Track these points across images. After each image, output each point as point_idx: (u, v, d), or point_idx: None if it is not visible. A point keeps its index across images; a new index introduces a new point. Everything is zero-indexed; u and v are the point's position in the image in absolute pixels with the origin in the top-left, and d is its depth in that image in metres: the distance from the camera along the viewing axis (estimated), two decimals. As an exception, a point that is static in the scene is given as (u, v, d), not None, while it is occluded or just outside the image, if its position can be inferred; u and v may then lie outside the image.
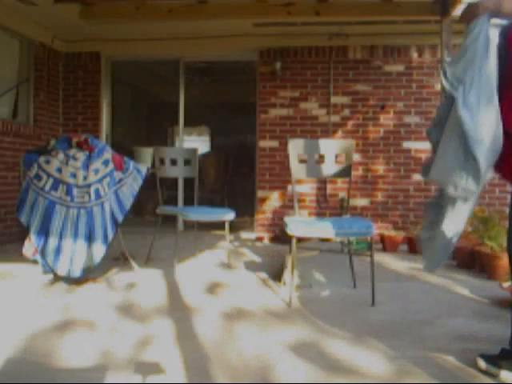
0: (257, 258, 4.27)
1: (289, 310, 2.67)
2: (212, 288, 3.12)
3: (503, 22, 1.82)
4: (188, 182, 5.54)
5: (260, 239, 5.48)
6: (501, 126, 1.76)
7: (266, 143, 5.65)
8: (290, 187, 5.56)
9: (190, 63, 6.28)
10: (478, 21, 1.81)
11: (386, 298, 2.90)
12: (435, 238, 1.95)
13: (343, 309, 2.71)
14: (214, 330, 2.30)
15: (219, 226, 4.41)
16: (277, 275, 3.40)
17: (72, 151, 3.22)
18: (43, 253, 3.05)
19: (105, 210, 3.23)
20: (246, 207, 6.07)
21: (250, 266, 3.86)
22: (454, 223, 1.88)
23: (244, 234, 5.70)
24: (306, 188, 5.57)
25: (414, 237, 4.69)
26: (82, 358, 1.93)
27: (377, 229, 5.12)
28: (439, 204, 1.95)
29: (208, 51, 5.79)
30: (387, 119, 5.51)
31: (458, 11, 4.31)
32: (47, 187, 3.09)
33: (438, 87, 5.19)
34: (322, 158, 3.34)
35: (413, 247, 4.69)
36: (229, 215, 3.74)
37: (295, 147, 3.21)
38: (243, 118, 7.77)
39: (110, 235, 3.25)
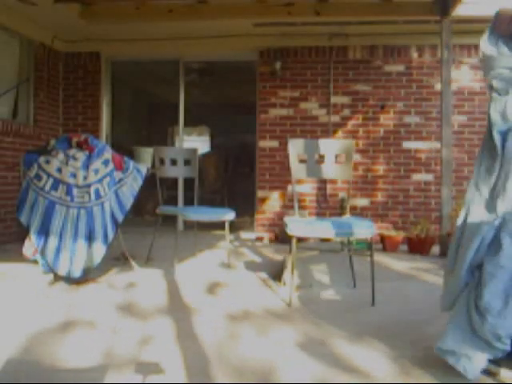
0: (257, 258, 4.27)
1: (289, 309, 2.67)
2: (212, 288, 3.12)
3: None
4: (188, 182, 5.54)
5: (260, 239, 5.48)
6: None
7: (265, 143, 5.65)
8: (290, 187, 5.56)
9: (189, 63, 6.28)
10: None
11: (386, 298, 2.90)
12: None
13: (343, 309, 2.71)
14: (214, 329, 2.30)
15: (219, 225, 4.41)
16: (277, 275, 3.40)
17: (72, 151, 3.22)
18: (43, 253, 3.06)
19: (105, 210, 3.23)
20: (246, 207, 6.07)
21: (250, 266, 3.86)
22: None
23: (244, 234, 5.70)
24: (306, 188, 5.56)
25: (413, 237, 4.69)
26: (82, 358, 1.93)
27: (377, 229, 5.11)
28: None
29: (208, 51, 5.79)
30: (387, 119, 5.51)
31: (458, 11, 4.32)
32: (47, 187, 3.09)
33: (437, 87, 5.19)
34: (322, 158, 3.34)
35: (413, 247, 4.69)
36: (229, 215, 3.74)
37: (295, 147, 3.21)
38: (243, 117, 7.76)
39: (110, 235, 3.25)
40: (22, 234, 3.27)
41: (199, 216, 3.81)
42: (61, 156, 3.17)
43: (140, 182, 3.52)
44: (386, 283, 3.29)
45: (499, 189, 1.81)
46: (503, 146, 1.83)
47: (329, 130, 5.56)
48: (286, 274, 3.14)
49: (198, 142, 10.33)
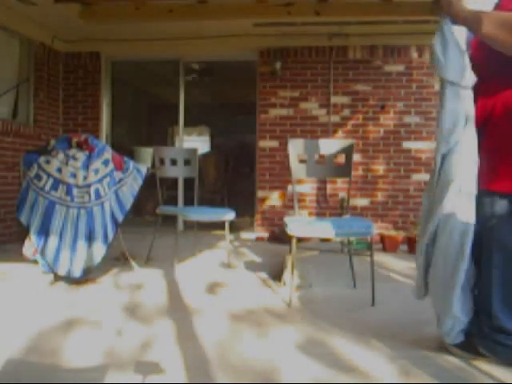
0: (257, 258, 4.27)
1: (289, 309, 2.67)
2: (212, 288, 3.12)
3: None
4: (188, 182, 5.55)
5: (260, 239, 5.48)
6: None
7: (265, 143, 5.65)
8: (290, 187, 5.56)
9: (190, 63, 6.28)
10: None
11: (386, 298, 2.90)
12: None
13: (343, 309, 2.71)
14: (214, 329, 2.30)
15: (219, 225, 4.41)
16: (277, 275, 3.40)
17: (72, 151, 3.22)
18: (43, 253, 3.06)
19: (105, 209, 3.23)
20: (246, 207, 6.07)
21: (250, 266, 3.86)
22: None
23: (244, 234, 5.70)
24: (306, 188, 5.57)
25: (413, 237, 4.69)
26: (82, 358, 1.93)
27: (377, 229, 5.12)
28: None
29: (208, 51, 5.79)
30: (387, 119, 5.51)
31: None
32: (47, 187, 3.09)
33: (437, 87, 5.19)
34: (322, 158, 3.34)
35: (413, 247, 4.69)
36: (229, 215, 3.74)
37: (295, 147, 3.21)
38: (243, 117, 7.78)
39: (110, 235, 3.26)
40: (22, 234, 3.27)
41: (199, 216, 3.81)
42: (61, 156, 3.17)
43: (140, 181, 3.52)
44: (386, 283, 3.29)
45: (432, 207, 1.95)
46: (440, 168, 1.93)
47: (329, 130, 5.56)
48: (286, 274, 3.14)
49: (197, 142, 10.33)
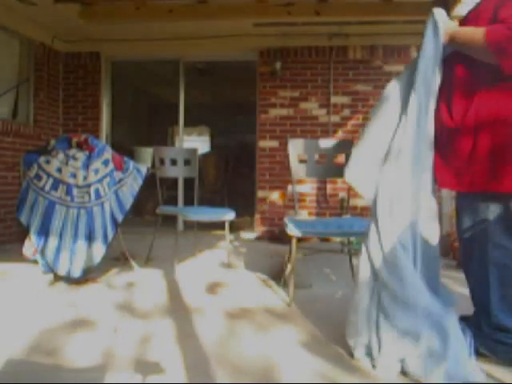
0: (257, 258, 4.27)
1: (289, 309, 2.67)
2: (212, 288, 3.12)
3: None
4: (188, 182, 5.55)
5: (260, 239, 5.48)
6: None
7: (265, 143, 5.65)
8: (290, 187, 5.56)
9: (189, 63, 6.28)
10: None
11: (386, 297, 2.89)
12: None
13: (343, 309, 2.70)
14: (215, 329, 2.30)
15: (219, 225, 4.41)
16: (277, 275, 3.40)
17: (72, 151, 3.22)
18: (43, 253, 3.06)
19: (105, 210, 3.23)
20: (246, 207, 6.07)
21: (250, 266, 3.86)
22: None
23: (244, 234, 5.70)
24: (306, 188, 5.57)
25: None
26: (82, 358, 1.93)
27: (377, 229, 5.11)
28: None
29: (208, 51, 5.79)
30: (387, 119, 5.50)
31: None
32: (47, 187, 3.09)
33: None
34: (322, 158, 3.34)
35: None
36: (229, 215, 3.74)
37: (295, 147, 3.21)
38: (243, 117, 7.78)
39: (110, 235, 3.26)
40: (22, 234, 3.27)
41: (199, 216, 3.81)
42: (61, 156, 3.17)
43: (140, 182, 3.52)
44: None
45: None
46: None
47: (329, 130, 5.56)
48: (286, 274, 3.14)
49: (197, 142, 10.34)
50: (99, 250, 3.17)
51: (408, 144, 1.92)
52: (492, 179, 1.82)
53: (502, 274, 1.85)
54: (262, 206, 5.65)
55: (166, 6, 4.69)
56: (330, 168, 3.30)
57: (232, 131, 9.53)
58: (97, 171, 3.22)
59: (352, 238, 4.33)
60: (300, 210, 5.46)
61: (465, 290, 3.10)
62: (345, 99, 5.56)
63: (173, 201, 5.77)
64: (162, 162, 4.09)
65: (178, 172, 4.36)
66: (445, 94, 1.93)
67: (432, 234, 1.97)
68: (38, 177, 3.11)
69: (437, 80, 1.92)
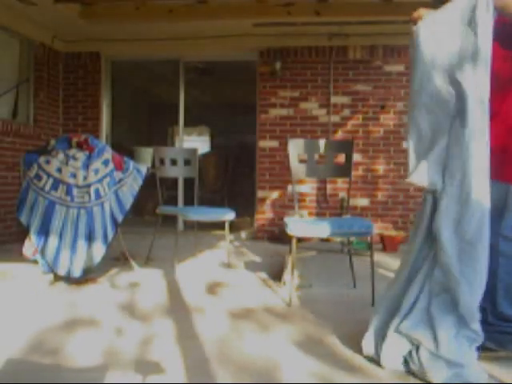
0: (257, 258, 4.27)
1: (289, 309, 2.67)
2: (212, 288, 3.12)
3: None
4: (188, 182, 5.54)
5: (260, 239, 5.48)
6: None
7: (265, 143, 5.65)
8: (289, 187, 5.56)
9: (189, 63, 6.28)
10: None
11: (386, 297, 2.90)
12: None
13: (343, 309, 2.71)
14: (215, 329, 2.31)
15: (219, 225, 4.41)
16: (277, 275, 3.40)
17: (72, 151, 3.21)
18: (43, 253, 3.06)
19: (105, 209, 3.23)
20: (246, 207, 6.07)
21: (250, 266, 3.86)
22: None
23: (244, 234, 5.70)
24: (306, 188, 5.57)
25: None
26: (82, 358, 1.93)
27: (377, 229, 5.13)
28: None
29: (208, 51, 5.79)
30: (387, 119, 5.51)
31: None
32: (47, 187, 3.09)
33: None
34: (322, 158, 3.34)
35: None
36: (229, 215, 3.74)
37: (295, 147, 3.21)
38: (243, 117, 7.77)
39: (110, 235, 3.26)
40: (22, 234, 3.27)
41: (199, 216, 3.81)
42: (61, 156, 3.17)
43: (140, 182, 3.52)
44: (385, 283, 3.28)
45: None
46: None
47: (329, 130, 5.56)
48: (286, 274, 3.14)
49: (197, 142, 10.34)
50: (99, 250, 3.18)
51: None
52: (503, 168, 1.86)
53: (509, 264, 1.89)
54: (262, 205, 5.65)
55: (166, 6, 4.69)
56: (330, 168, 3.30)
57: (232, 131, 9.52)
58: (97, 171, 3.22)
59: (352, 238, 4.34)
60: (300, 210, 5.46)
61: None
62: (345, 99, 5.56)
63: (173, 201, 5.77)
64: (162, 162, 4.09)
65: (178, 172, 4.36)
66: None
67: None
68: (37, 177, 3.11)
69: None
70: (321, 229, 2.83)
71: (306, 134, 5.54)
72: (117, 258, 3.75)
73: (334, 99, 5.55)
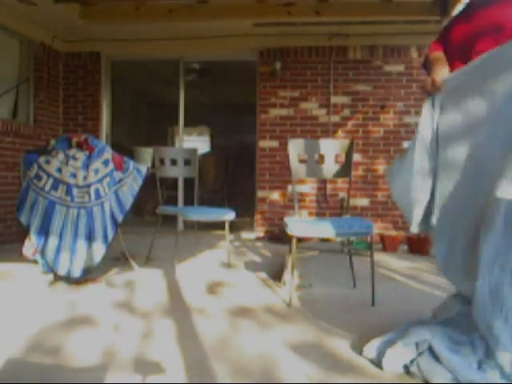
0: (257, 258, 4.27)
1: (289, 309, 2.67)
2: (212, 288, 3.12)
3: None
4: (188, 182, 5.54)
5: (260, 239, 5.48)
6: None
7: (265, 143, 5.65)
8: (290, 187, 5.56)
9: (189, 63, 6.29)
10: None
11: (386, 298, 2.90)
12: None
13: (343, 309, 2.71)
14: (215, 329, 2.31)
15: (219, 225, 4.41)
16: (277, 275, 3.40)
17: (72, 151, 3.22)
18: (43, 253, 3.06)
19: (105, 209, 3.23)
20: (246, 207, 6.07)
21: (250, 266, 3.86)
22: None
23: (244, 234, 5.70)
24: (306, 188, 5.57)
25: (413, 237, 4.69)
26: (82, 358, 1.93)
27: (377, 229, 5.13)
28: None
29: (208, 51, 5.79)
30: (387, 119, 5.51)
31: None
32: (47, 187, 3.09)
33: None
34: (322, 157, 3.34)
35: (413, 247, 4.69)
36: (229, 215, 3.74)
37: (295, 147, 3.21)
38: (243, 117, 7.77)
39: (110, 235, 3.26)
40: (22, 234, 3.27)
41: (199, 216, 3.81)
42: (61, 156, 3.17)
43: (140, 182, 3.52)
44: (386, 283, 3.29)
45: None
46: None
47: (329, 130, 5.56)
48: (286, 274, 3.14)
49: (197, 142, 10.34)
50: (99, 250, 3.18)
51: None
52: None
53: None
54: (262, 205, 5.65)
55: (166, 6, 4.69)
56: (330, 168, 3.30)
57: (232, 131, 9.52)
58: (97, 171, 3.22)
59: (352, 238, 4.34)
60: (300, 210, 5.46)
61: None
62: (345, 99, 5.56)
63: (173, 201, 5.77)
64: (162, 162, 4.09)
65: (178, 172, 4.36)
66: None
67: None
68: (37, 177, 3.11)
69: None
70: (321, 229, 2.83)
71: (306, 134, 5.54)
72: (117, 258, 3.75)
73: (333, 99, 5.55)
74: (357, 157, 5.43)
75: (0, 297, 2.85)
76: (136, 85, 8.82)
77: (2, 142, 4.78)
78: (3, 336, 2.18)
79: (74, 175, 3.14)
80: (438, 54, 2.26)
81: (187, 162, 4.24)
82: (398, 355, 1.83)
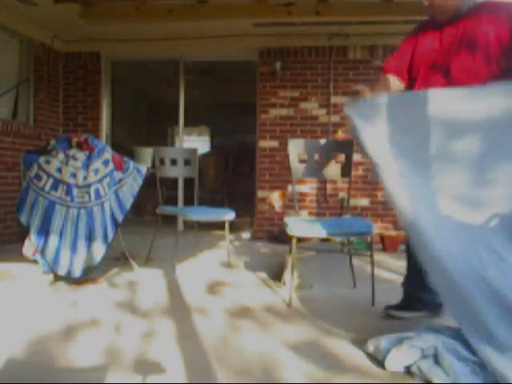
0: (257, 258, 4.27)
1: (289, 309, 2.67)
2: (212, 288, 3.12)
3: None
4: (188, 182, 5.54)
5: (260, 239, 5.48)
6: None
7: (265, 143, 5.65)
8: (290, 187, 5.56)
9: (189, 63, 6.28)
10: None
11: (386, 297, 2.90)
12: None
13: (343, 309, 2.71)
14: (215, 329, 2.31)
15: (219, 225, 4.41)
16: (277, 275, 3.40)
17: (72, 151, 3.22)
18: (43, 253, 3.06)
19: (105, 209, 3.23)
20: (246, 207, 6.07)
21: (250, 266, 3.86)
22: None
23: (244, 234, 5.70)
24: (306, 188, 5.56)
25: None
26: (82, 358, 1.93)
27: (377, 229, 5.12)
28: None
29: (208, 51, 5.79)
30: (387, 119, 5.50)
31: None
32: (47, 187, 3.09)
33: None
34: (322, 157, 3.34)
35: (413, 247, 4.68)
36: (229, 215, 3.74)
37: (295, 147, 3.21)
38: (243, 118, 7.77)
39: (110, 235, 3.26)
40: (22, 234, 3.27)
41: (199, 216, 3.81)
42: (61, 156, 3.17)
43: (140, 182, 3.52)
44: (386, 283, 3.29)
45: None
46: None
47: (329, 130, 5.56)
48: (286, 274, 3.14)
49: (197, 142, 10.34)
50: (99, 250, 3.18)
51: None
52: None
53: None
54: (262, 206, 5.65)
55: (166, 6, 4.69)
56: (330, 168, 3.30)
57: (232, 131, 9.52)
58: (97, 171, 3.22)
59: (352, 238, 4.34)
60: (300, 210, 5.46)
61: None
62: (345, 99, 5.55)
63: (173, 201, 5.77)
64: (162, 162, 4.09)
65: (178, 172, 4.36)
66: None
67: None
68: (38, 177, 3.11)
69: None
70: (321, 229, 2.83)
71: (306, 134, 5.53)
72: (117, 258, 3.75)
73: (333, 99, 5.55)
74: (357, 157, 5.42)
75: (0, 297, 2.85)
76: (136, 85, 8.82)
77: (2, 142, 4.78)
78: (3, 336, 2.18)
79: (74, 175, 3.14)
80: (386, 80, 2.59)
81: (187, 162, 4.23)
82: (402, 356, 1.83)
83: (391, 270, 3.86)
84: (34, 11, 4.83)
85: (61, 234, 3.08)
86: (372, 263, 2.77)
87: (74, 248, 3.08)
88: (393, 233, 5.04)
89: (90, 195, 3.16)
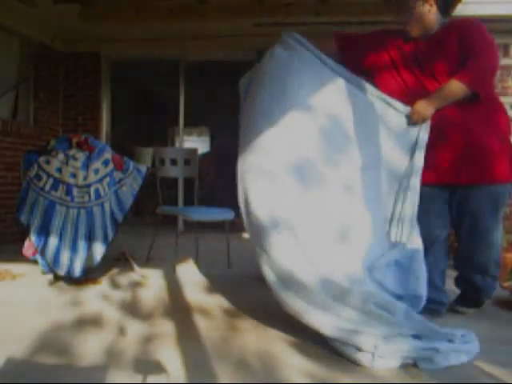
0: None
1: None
2: (212, 288, 3.12)
3: None
4: (188, 182, 5.54)
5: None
6: None
7: (266, 143, 5.63)
8: (290, 187, 5.55)
9: (190, 63, 6.28)
10: None
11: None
12: None
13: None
14: (215, 329, 2.31)
15: (219, 225, 4.41)
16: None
17: (72, 151, 3.22)
18: (43, 253, 3.06)
19: (105, 209, 3.23)
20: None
21: (250, 266, 3.85)
22: None
23: (244, 234, 5.70)
24: (306, 188, 5.55)
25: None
26: (82, 358, 1.93)
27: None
28: None
29: (208, 51, 5.79)
30: (387, 119, 5.50)
31: (458, 11, 4.32)
32: (47, 187, 3.10)
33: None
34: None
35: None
36: (229, 215, 3.74)
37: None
38: (243, 118, 7.75)
39: (110, 235, 3.26)
40: (22, 234, 3.27)
41: (199, 216, 3.81)
42: (61, 156, 3.17)
43: (140, 182, 3.52)
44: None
45: None
46: None
47: (329, 130, 5.54)
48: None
49: (197, 143, 10.33)
50: (99, 250, 3.18)
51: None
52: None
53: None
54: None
55: (166, 6, 4.68)
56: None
57: (232, 131, 9.50)
58: (97, 171, 3.22)
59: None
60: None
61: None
62: (345, 99, 5.54)
63: (173, 201, 5.77)
64: (162, 162, 4.09)
65: (178, 172, 4.36)
66: None
67: None
68: (38, 177, 3.11)
69: None
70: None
71: (306, 134, 5.52)
72: (117, 258, 3.75)
73: (334, 99, 5.54)
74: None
75: (0, 297, 2.85)
76: (136, 85, 8.80)
77: (2, 142, 4.78)
78: (3, 336, 2.18)
79: (74, 175, 3.14)
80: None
81: (187, 162, 4.23)
82: (394, 351, 1.87)
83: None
84: (34, 11, 4.83)
85: (61, 234, 3.08)
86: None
87: (73, 248, 3.08)
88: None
89: (89, 195, 3.16)
